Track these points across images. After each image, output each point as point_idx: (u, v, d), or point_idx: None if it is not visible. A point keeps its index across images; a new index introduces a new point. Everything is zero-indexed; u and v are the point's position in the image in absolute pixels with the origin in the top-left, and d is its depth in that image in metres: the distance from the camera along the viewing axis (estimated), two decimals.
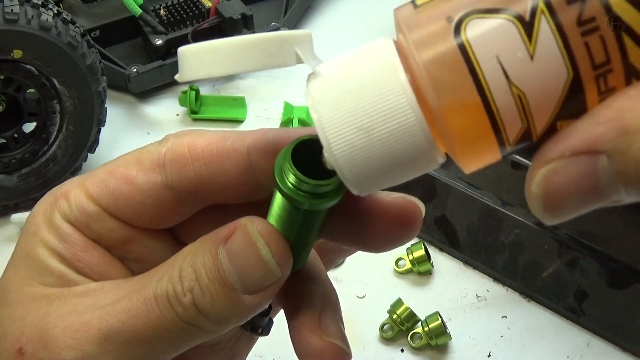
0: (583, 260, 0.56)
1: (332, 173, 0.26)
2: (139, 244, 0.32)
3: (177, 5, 0.81)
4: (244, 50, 0.26)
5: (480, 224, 0.60)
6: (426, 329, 0.55)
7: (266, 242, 0.28)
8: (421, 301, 0.59)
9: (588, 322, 0.57)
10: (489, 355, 0.56)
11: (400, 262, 0.62)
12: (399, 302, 0.57)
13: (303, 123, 0.72)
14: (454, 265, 0.62)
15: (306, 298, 0.31)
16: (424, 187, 0.61)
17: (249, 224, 0.28)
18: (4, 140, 0.65)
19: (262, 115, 0.77)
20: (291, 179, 0.27)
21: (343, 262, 0.62)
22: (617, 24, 0.22)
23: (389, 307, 0.57)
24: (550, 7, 0.22)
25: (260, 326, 0.34)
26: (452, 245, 0.62)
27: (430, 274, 0.62)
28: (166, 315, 0.28)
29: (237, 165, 0.30)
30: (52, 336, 0.28)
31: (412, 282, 0.61)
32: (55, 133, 0.65)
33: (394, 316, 0.56)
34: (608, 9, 0.22)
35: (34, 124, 0.65)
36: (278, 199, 0.28)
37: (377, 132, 0.24)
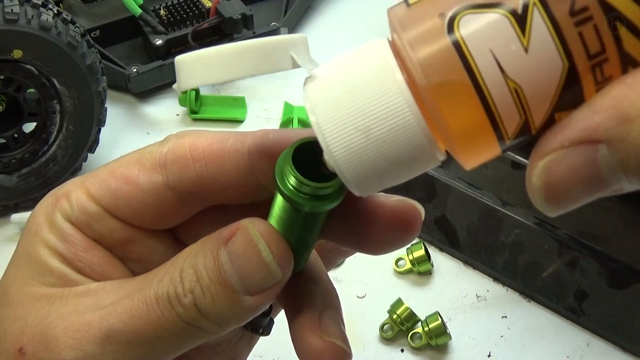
0: (583, 260, 0.56)
1: (332, 175, 0.26)
2: (139, 244, 0.32)
3: (177, 5, 0.81)
4: (240, 56, 0.26)
5: (480, 224, 0.60)
6: (426, 329, 0.55)
7: (267, 244, 0.28)
8: (421, 301, 0.59)
9: (588, 322, 0.57)
10: (489, 355, 0.56)
11: (400, 262, 0.62)
12: (399, 302, 0.57)
13: (303, 123, 0.71)
14: (454, 265, 0.62)
15: (307, 298, 0.31)
16: (424, 187, 0.61)
17: (250, 226, 0.28)
18: (4, 140, 0.65)
19: (262, 115, 0.77)
20: (292, 181, 0.27)
21: (343, 262, 0.61)
22: (611, 12, 0.22)
23: (389, 307, 0.57)
24: None
25: (261, 326, 0.34)
26: (452, 245, 0.62)
27: (430, 274, 0.62)
28: (167, 316, 0.28)
29: (238, 166, 0.30)
30: (53, 336, 0.28)
31: (412, 282, 0.61)
32: (55, 133, 0.65)
33: (394, 316, 0.56)
34: None
35: (34, 124, 0.65)
36: (279, 200, 0.28)
37: (376, 133, 0.24)
